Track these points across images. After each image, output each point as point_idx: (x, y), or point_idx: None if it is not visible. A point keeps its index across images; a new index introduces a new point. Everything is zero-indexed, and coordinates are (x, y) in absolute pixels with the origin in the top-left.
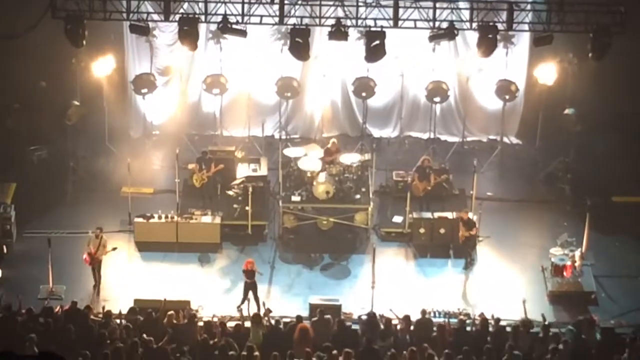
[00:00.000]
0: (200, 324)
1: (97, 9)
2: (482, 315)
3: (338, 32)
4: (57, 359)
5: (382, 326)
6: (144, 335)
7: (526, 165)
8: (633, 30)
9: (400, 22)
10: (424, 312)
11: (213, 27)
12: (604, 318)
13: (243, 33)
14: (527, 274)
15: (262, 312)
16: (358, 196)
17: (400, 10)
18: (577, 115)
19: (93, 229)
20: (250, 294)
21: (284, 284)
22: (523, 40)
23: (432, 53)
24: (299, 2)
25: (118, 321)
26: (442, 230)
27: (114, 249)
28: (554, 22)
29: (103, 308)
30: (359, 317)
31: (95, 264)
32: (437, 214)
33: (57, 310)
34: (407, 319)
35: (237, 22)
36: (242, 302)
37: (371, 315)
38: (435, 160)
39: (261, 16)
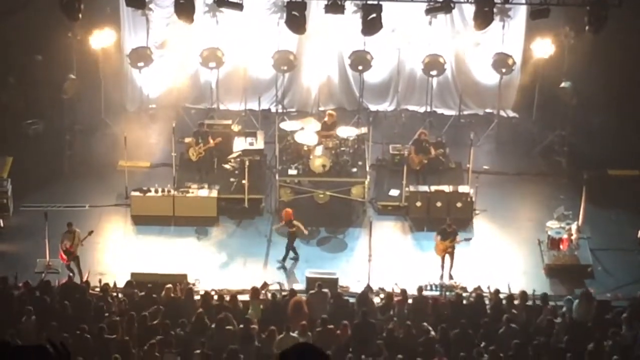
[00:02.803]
0: (197, 297)
1: None
2: (478, 288)
3: (334, 6)
4: (57, 347)
5: (379, 300)
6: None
7: (523, 139)
8: (630, 4)
9: None
10: (420, 289)
11: (209, 0)
12: (601, 291)
13: (239, 6)
14: (524, 247)
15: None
16: (355, 170)
17: None
18: (574, 88)
19: (71, 220)
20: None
21: (281, 257)
22: (520, 14)
23: (428, 26)
24: None
25: (115, 294)
26: (438, 204)
27: (91, 232)
28: None
29: (100, 282)
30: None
31: (72, 260)
32: (433, 187)
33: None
34: (404, 293)
35: None
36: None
37: (366, 288)
38: (432, 134)
39: None
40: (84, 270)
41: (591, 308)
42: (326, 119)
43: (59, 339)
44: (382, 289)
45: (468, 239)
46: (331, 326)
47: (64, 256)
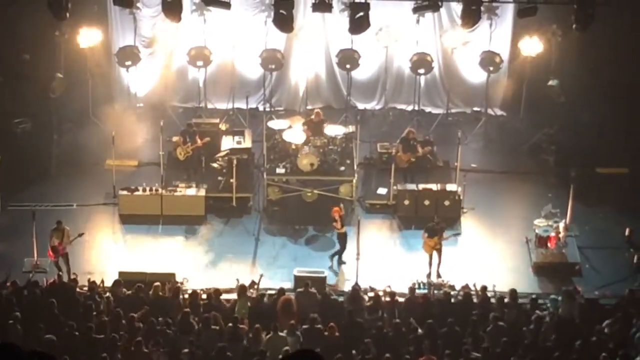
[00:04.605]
0: (185, 296)
1: None
2: (466, 286)
3: (322, 4)
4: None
5: (367, 299)
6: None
7: (510, 137)
8: (617, 2)
9: None
10: (412, 289)
11: None
12: (588, 289)
13: (227, 5)
14: (511, 245)
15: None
16: (342, 168)
17: None
18: (561, 86)
19: (60, 219)
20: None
21: (269, 256)
22: (507, 12)
23: (416, 25)
24: None
25: (103, 293)
26: (426, 202)
27: (81, 234)
28: None
29: (89, 280)
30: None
31: (60, 256)
32: (421, 186)
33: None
34: (392, 294)
35: None
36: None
37: (354, 287)
38: (420, 132)
39: None
40: (72, 269)
41: (574, 306)
42: (313, 116)
43: (46, 338)
44: (372, 288)
45: (457, 234)
46: (319, 326)
47: (52, 253)
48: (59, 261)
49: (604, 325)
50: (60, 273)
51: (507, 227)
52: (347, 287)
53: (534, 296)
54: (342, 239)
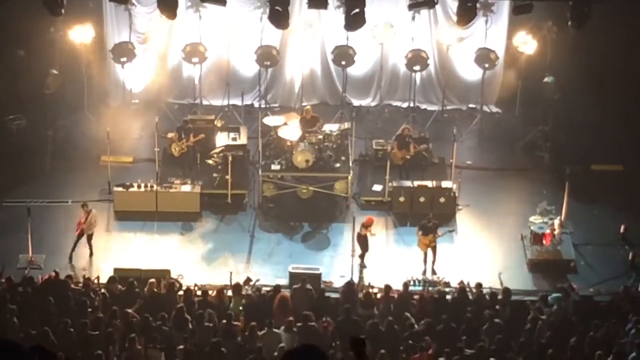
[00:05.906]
0: (180, 292)
1: None
2: (461, 283)
3: (318, 0)
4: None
5: (360, 295)
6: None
7: (505, 134)
8: None
9: None
10: (406, 285)
11: None
12: (583, 286)
13: (222, 2)
14: (507, 242)
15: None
16: (338, 165)
17: None
18: (556, 83)
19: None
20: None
21: (264, 252)
22: (503, 9)
23: (411, 22)
24: None
25: (97, 289)
26: (421, 199)
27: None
28: None
29: (83, 277)
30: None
31: (84, 233)
32: (416, 183)
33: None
34: (387, 288)
35: None
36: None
37: (350, 283)
38: (415, 129)
39: None
40: (66, 266)
41: (568, 303)
42: (303, 113)
43: (41, 332)
44: (369, 285)
45: (451, 230)
46: (312, 323)
47: (77, 228)
48: (84, 238)
49: (603, 328)
50: (57, 271)
51: (502, 224)
52: (341, 283)
53: (539, 295)
54: (366, 241)
